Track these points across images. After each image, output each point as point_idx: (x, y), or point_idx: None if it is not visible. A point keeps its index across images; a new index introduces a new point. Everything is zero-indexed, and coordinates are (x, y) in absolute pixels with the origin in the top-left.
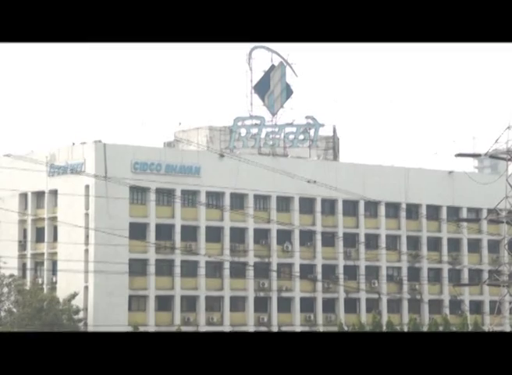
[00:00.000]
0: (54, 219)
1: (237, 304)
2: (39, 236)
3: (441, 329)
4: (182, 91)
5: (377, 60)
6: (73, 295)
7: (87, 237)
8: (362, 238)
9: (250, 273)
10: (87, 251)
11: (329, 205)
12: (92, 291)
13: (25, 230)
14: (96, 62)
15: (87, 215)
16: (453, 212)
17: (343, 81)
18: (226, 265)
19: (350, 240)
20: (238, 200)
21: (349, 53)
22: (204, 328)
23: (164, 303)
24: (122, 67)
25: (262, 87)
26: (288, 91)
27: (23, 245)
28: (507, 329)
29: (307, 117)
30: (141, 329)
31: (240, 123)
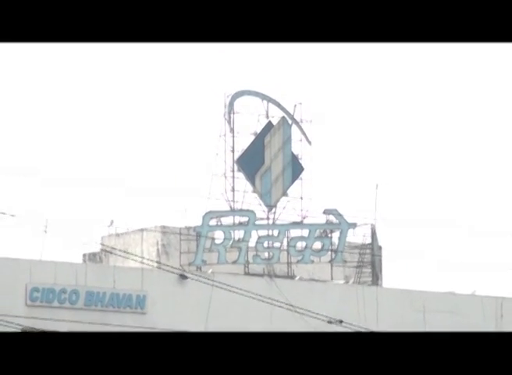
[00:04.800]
0: None
1: None
2: None
3: None
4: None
5: None
6: None
7: None
8: None
9: None
10: None
11: None
12: None
13: None
14: None
15: None
16: None
17: (385, 150)
18: None
19: None
20: None
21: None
22: None
23: None
24: None
25: (251, 161)
26: (295, 168)
27: None
28: None
29: (326, 212)
30: None
31: (213, 222)
